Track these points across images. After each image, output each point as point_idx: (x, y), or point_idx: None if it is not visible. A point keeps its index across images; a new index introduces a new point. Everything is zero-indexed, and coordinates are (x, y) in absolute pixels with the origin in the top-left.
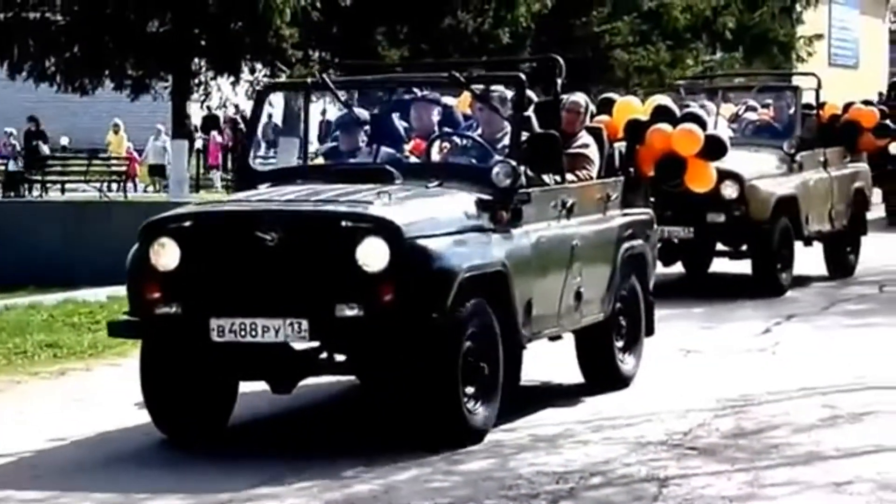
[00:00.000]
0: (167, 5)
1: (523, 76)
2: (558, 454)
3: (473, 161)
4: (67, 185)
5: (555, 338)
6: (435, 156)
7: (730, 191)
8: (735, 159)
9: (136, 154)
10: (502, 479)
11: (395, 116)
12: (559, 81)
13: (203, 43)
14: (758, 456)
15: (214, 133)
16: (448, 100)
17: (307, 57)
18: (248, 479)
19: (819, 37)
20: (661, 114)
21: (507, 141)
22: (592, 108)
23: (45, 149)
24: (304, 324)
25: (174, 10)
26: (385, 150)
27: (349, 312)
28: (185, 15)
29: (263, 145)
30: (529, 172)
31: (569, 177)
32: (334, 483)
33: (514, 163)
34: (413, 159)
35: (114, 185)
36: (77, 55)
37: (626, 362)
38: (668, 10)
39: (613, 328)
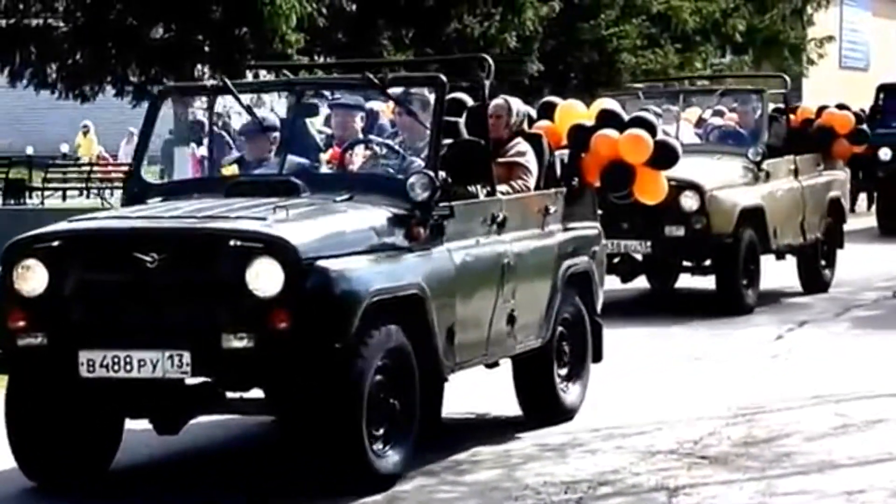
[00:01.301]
0: (171, 11)
1: (444, 78)
2: (566, 463)
3: (389, 172)
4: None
5: (491, 365)
6: (351, 166)
7: (689, 202)
8: (695, 168)
9: (109, 157)
10: (509, 489)
11: (310, 122)
12: (487, 83)
13: (207, 49)
14: (769, 464)
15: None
16: (376, 104)
17: (313, 63)
18: None
19: (830, 39)
20: (606, 118)
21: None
22: (532, 112)
23: None
24: (186, 356)
25: (178, 16)
26: (294, 159)
27: (237, 343)
28: (188, 21)
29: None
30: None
31: (502, 188)
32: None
33: (431, 174)
34: (325, 170)
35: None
36: (79, 62)
37: (570, 392)
38: (676, 12)
39: (554, 355)
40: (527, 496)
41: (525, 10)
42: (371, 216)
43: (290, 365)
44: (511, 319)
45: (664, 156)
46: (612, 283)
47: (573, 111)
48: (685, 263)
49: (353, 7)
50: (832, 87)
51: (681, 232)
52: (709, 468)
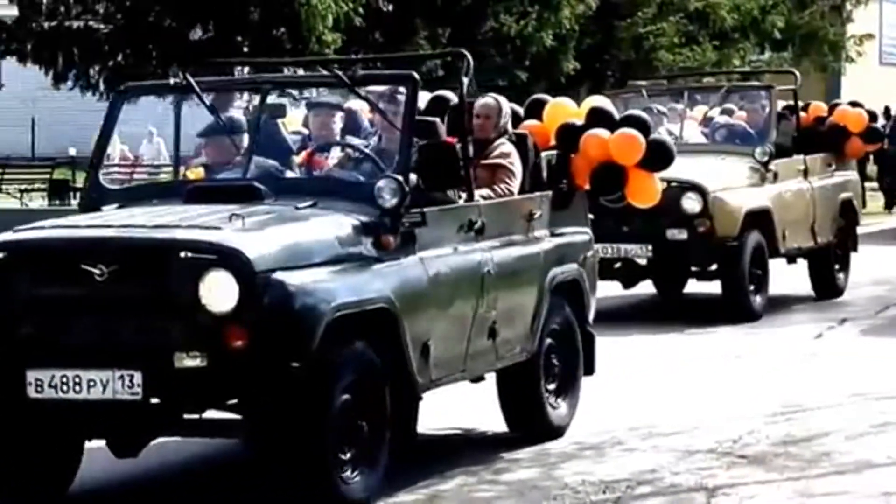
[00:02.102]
0: (210, 12)
1: (416, 75)
2: (604, 462)
3: (358, 176)
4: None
5: (476, 379)
6: (321, 170)
7: (692, 204)
8: (698, 168)
9: (131, 157)
10: (548, 488)
11: (282, 123)
12: (466, 80)
13: (245, 49)
14: (808, 464)
15: None
16: (358, 104)
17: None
18: None
19: (870, 36)
20: (597, 117)
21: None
22: (520, 111)
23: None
24: (137, 377)
25: (217, 17)
26: (261, 163)
27: (190, 362)
28: (227, 22)
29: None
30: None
31: (484, 192)
32: None
33: (399, 178)
34: (291, 174)
35: None
36: (120, 63)
37: (559, 407)
38: (715, 9)
39: (542, 369)
40: (565, 495)
41: (562, 8)
42: (335, 224)
43: (247, 386)
44: (492, 332)
45: (658, 157)
46: (615, 288)
47: (563, 109)
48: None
49: (390, 7)
50: (872, 84)
51: (683, 235)
52: (747, 467)
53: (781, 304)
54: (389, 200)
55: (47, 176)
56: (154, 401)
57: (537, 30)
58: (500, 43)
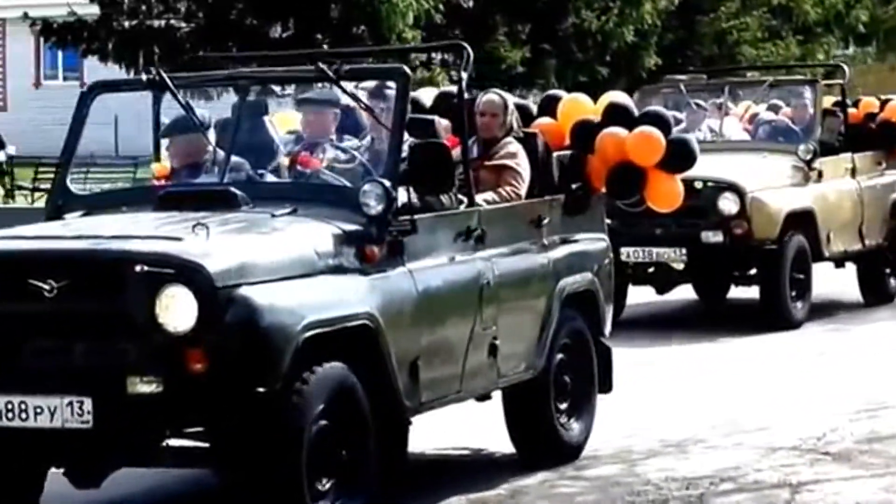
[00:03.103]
0: (290, 10)
1: (407, 70)
2: (687, 459)
3: (343, 181)
4: None
5: (482, 398)
6: (311, 172)
7: (728, 205)
8: (736, 167)
9: None
10: (630, 484)
11: (269, 121)
12: (465, 75)
13: (325, 47)
14: (893, 461)
15: None
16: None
17: (430, 60)
18: None
19: None
20: (614, 114)
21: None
22: (533, 108)
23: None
24: (87, 403)
25: (297, 14)
26: (238, 165)
27: (144, 388)
28: (307, 19)
29: None
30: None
31: (488, 196)
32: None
33: (386, 182)
34: (272, 178)
35: None
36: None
37: (571, 428)
38: (798, 4)
39: (551, 386)
40: (648, 491)
41: (643, 3)
42: (313, 233)
43: (207, 413)
44: (493, 349)
45: (679, 157)
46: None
47: (578, 106)
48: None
49: (470, 3)
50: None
51: (719, 238)
52: (831, 464)
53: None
54: (374, 207)
55: (131, 174)
56: (106, 430)
57: (618, 25)
58: (581, 39)
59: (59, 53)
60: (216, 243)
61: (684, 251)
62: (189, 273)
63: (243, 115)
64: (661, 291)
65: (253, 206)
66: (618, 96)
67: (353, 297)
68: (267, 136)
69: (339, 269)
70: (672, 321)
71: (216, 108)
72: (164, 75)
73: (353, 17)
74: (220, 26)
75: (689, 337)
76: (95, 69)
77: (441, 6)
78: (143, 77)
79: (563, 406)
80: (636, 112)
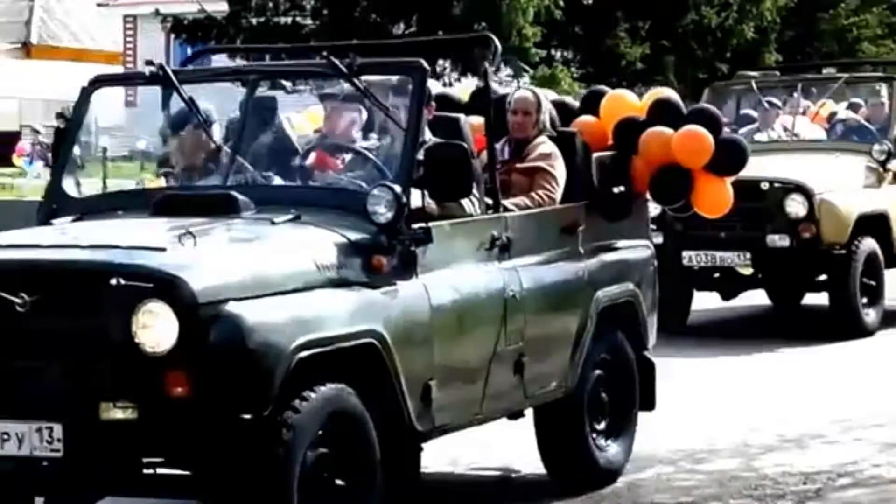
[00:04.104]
0: (413, 7)
1: (425, 63)
2: (805, 454)
3: (355, 184)
4: None
5: (514, 415)
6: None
7: (796, 207)
8: (805, 168)
9: None
10: (748, 479)
11: (286, 118)
12: (490, 69)
13: None
14: None
15: None
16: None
17: (550, 57)
18: None
19: None
20: (660, 112)
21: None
22: (575, 104)
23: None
24: (57, 430)
25: (420, 12)
26: (243, 167)
27: (119, 414)
28: (429, 17)
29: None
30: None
31: (519, 200)
32: None
33: (396, 187)
34: (279, 181)
35: None
36: (325, 59)
37: (608, 450)
38: None
39: (585, 405)
40: (765, 485)
41: (763, 0)
42: (314, 243)
43: (187, 442)
44: (519, 367)
45: (728, 158)
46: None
47: (622, 103)
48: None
49: (590, 0)
50: None
51: (785, 242)
52: None
53: None
54: (383, 214)
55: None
56: (78, 459)
57: (739, 22)
58: (701, 35)
59: (189, 50)
60: (202, 254)
61: (749, 255)
62: (169, 288)
63: (252, 112)
64: (726, 297)
65: (256, 212)
66: (665, 92)
67: (356, 312)
68: (280, 134)
69: (342, 282)
70: (736, 327)
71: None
72: (168, 69)
73: (475, 13)
74: (344, 23)
75: (760, 342)
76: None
77: (561, 2)
78: (146, 71)
79: (600, 426)
80: (684, 109)
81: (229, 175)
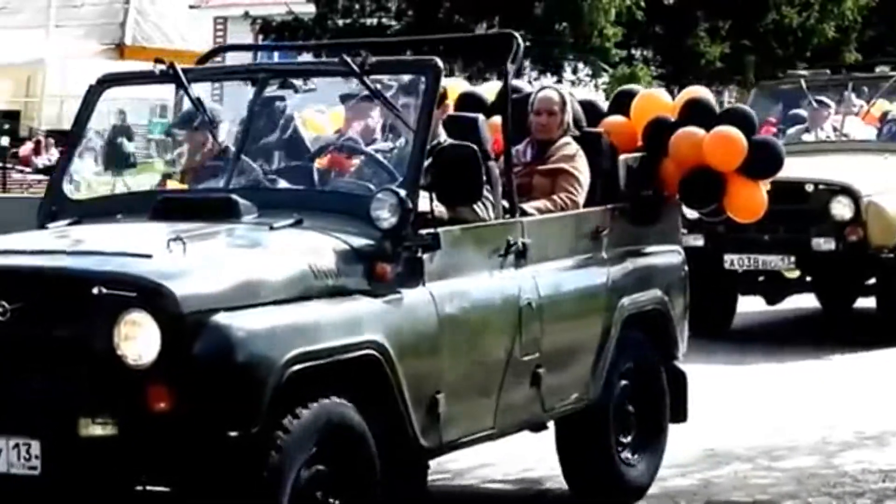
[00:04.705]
0: (496, 8)
1: (439, 62)
2: (885, 452)
3: (361, 188)
4: None
5: (537, 428)
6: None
7: (842, 210)
8: (852, 169)
9: None
10: (826, 476)
11: (299, 118)
12: (512, 68)
13: (527, 44)
14: None
15: None
16: None
17: (630, 56)
18: None
19: None
20: (692, 112)
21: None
22: (603, 105)
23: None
24: (35, 446)
25: (502, 12)
26: (247, 169)
27: (98, 430)
28: (511, 17)
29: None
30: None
31: (539, 204)
32: None
33: (400, 191)
34: (284, 184)
35: None
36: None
37: (636, 464)
38: None
39: (611, 418)
40: (844, 483)
41: None
42: (313, 249)
43: (171, 460)
44: (535, 378)
45: (763, 161)
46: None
47: (654, 102)
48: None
49: (671, 0)
50: None
51: (831, 245)
52: None
53: None
54: (387, 219)
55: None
56: (56, 477)
57: (819, 21)
58: (782, 35)
59: (276, 52)
60: (190, 261)
61: (793, 259)
62: (153, 297)
63: (260, 112)
64: (771, 302)
65: (258, 216)
66: (697, 91)
67: (356, 322)
68: (293, 135)
69: (341, 291)
70: (783, 331)
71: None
72: (178, 68)
73: (556, 13)
74: (428, 24)
75: (813, 346)
76: None
77: (642, 2)
78: (155, 69)
79: (626, 439)
80: (717, 109)
81: (233, 177)
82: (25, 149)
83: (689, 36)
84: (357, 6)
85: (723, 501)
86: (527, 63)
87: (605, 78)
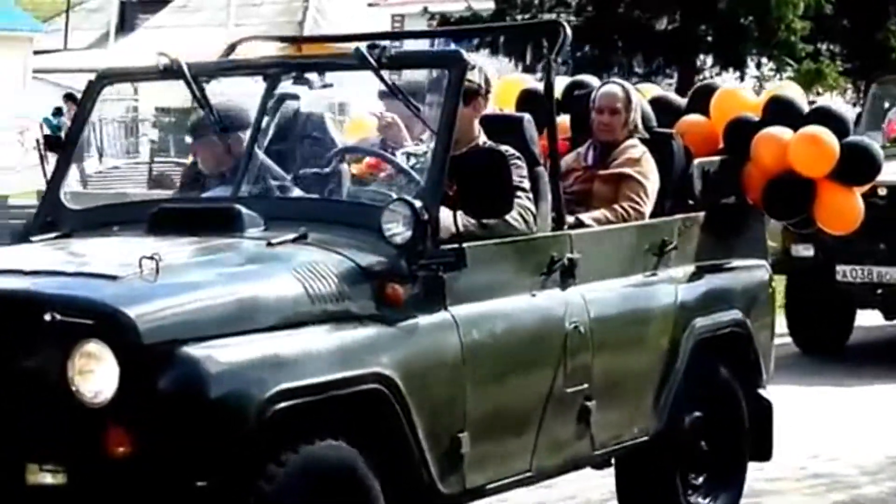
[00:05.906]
0: (677, 3)
1: (464, 54)
2: None
3: (382, 197)
4: None
5: (600, 465)
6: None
7: None
8: None
9: None
10: None
11: (330, 118)
12: (555, 61)
13: (710, 39)
14: None
15: None
16: None
17: (817, 51)
18: None
19: None
20: (778, 111)
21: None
22: (681, 102)
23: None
24: None
25: (684, 7)
26: (259, 176)
27: (47, 478)
28: (694, 12)
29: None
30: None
31: (598, 214)
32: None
33: (416, 203)
34: (297, 192)
35: None
36: (587, 54)
37: None
38: None
39: (677, 455)
40: None
41: None
42: (312, 268)
43: None
44: (584, 412)
45: (856, 165)
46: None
47: (735, 100)
48: None
49: None
50: None
51: None
52: None
53: None
54: (401, 233)
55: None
56: None
57: None
58: None
59: (452, 47)
60: (161, 284)
61: None
62: (111, 325)
63: (272, 110)
64: (889, 316)
65: (264, 229)
66: (784, 88)
67: (358, 352)
68: (318, 136)
69: (344, 316)
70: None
71: None
72: (183, 63)
73: (742, 7)
74: (607, 19)
75: None
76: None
77: None
78: (160, 65)
79: (697, 481)
80: (805, 108)
81: (243, 184)
82: None
83: (881, 29)
84: (537, 1)
85: None
86: (709, 58)
87: (788, 73)
